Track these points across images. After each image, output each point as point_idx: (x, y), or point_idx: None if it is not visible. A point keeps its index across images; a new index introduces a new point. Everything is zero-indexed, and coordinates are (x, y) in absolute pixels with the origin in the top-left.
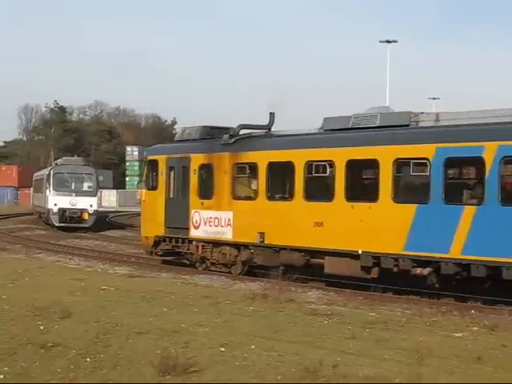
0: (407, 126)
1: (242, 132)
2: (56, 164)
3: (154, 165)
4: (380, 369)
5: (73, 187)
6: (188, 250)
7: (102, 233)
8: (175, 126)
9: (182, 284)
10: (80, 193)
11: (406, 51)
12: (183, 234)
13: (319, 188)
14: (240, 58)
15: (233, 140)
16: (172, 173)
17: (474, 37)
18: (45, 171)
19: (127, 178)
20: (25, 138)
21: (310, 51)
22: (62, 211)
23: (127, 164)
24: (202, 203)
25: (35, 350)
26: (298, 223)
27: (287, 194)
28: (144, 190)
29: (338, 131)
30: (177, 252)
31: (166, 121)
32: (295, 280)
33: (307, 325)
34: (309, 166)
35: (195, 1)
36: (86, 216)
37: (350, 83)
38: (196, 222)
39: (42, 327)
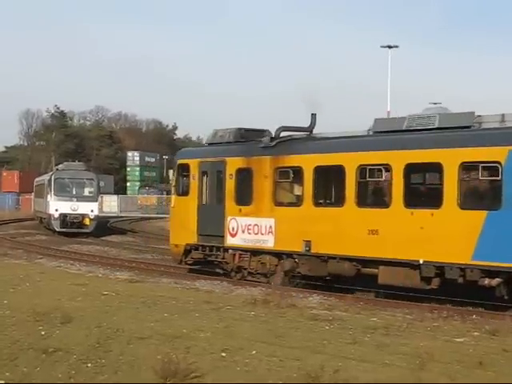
0: (469, 127)
1: (282, 134)
2: (57, 169)
3: (184, 169)
4: (381, 374)
5: (74, 192)
6: (223, 258)
7: (103, 238)
8: (176, 132)
9: (183, 289)
10: (81, 198)
11: (406, 56)
12: (218, 242)
13: (374, 193)
14: (241, 63)
15: (274, 143)
16: (205, 177)
17: (475, 42)
18: (46, 176)
19: (128, 183)
20: (26, 144)
21: (311, 54)
22: (63, 216)
23: (128, 169)
24: (240, 210)
25: (36, 356)
26: (350, 231)
27: (337, 200)
28: (174, 196)
29: (391, 133)
30: (209, 261)
31: (167, 126)
32: (296, 285)
33: (308, 330)
34: (362, 169)
35: (196, 7)
36: (87, 221)
37: (350, 87)
38: (233, 229)
39: (43, 332)
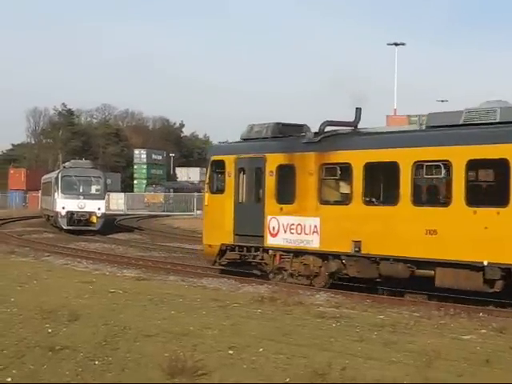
0: None
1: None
2: (64, 167)
3: (219, 166)
4: (388, 371)
5: (81, 190)
6: (262, 259)
7: (110, 236)
8: (183, 129)
9: (190, 287)
10: (88, 196)
11: (413, 54)
12: (257, 242)
13: (431, 191)
14: (249, 59)
15: (319, 138)
16: (242, 174)
17: (481, 40)
18: (53, 174)
19: (135, 181)
20: (33, 141)
21: (316, 53)
22: (70, 214)
23: (135, 167)
24: (281, 208)
25: (43, 353)
26: (405, 230)
27: (390, 198)
28: (207, 194)
29: (448, 128)
30: (245, 262)
31: (174, 123)
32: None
33: (315, 327)
34: (418, 166)
35: (202, 5)
36: (94, 219)
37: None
38: (273, 229)
39: (50, 330)
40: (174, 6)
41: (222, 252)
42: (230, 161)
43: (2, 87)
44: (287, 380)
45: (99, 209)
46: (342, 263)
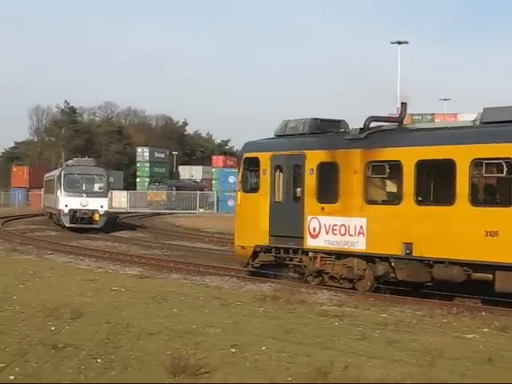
0: None
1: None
2: (67, 165)
3: (253, 163)
4: (391, 370)
5: (84, 188)
6: (300, 262)
7: (113, 234)
8: (186, 128)
9: (193, 285)
10: (91, 194)
11: (416, 52)
12: (295, 243)
13: (492, 191)
14: (250, 60)
15: (364, 134)
16: (278, 172)
17: (484, 39)
18: (56, 172)
19: (138, 179)
20: (36, 139)
21: (320, 52)
22: (73, 212)
23: (138, 165)
24: (323, 208)
25: (46, 351)
26: (462, 232)
27: (445, 198)
28: (240, 192)
29: (508, 124)
30: (281, 264)
31: (177, 122)
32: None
33: (318, 326)
34: (477, 164)
35: (207, 5)
36: (96, 217)
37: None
38: (314, 229)
39: (52, 328)
40: (174, 5)
41: (256, 254)
42: (265, 158)
43: (4, 85)
44: (290, 379)
45: (102, 207)
46: (391, 266)
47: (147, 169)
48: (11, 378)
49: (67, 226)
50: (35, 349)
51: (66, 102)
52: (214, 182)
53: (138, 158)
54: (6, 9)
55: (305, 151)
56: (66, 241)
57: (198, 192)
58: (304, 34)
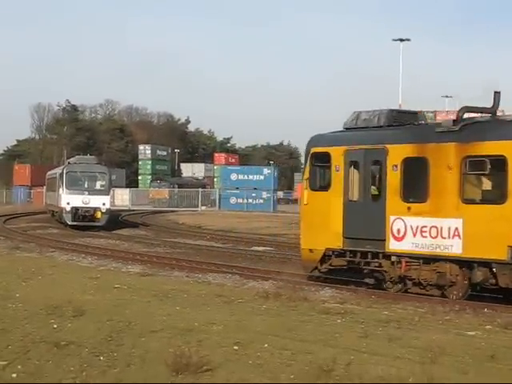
0: None
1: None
2: (69, 163)
3: (322, 159)
4: (393, 367)
5: (86, 186)
6: (380, 266)
7: (115, 231)
8: (188, 125)
9: (195, 282)
10: (93, 191)
11: (418, 50)
12: (375, 246)
13: None
14: (251, 57)
15: (459, 126)
16: (354, 168)
17: (486, 36)
18: (58, 170)
19: (140, 177)
20: (37, 137)
21: (320, 50)
22: (75, 210)
23: (140, 163)
24: (409, 208)
25: (48, 349)
26: None
27: None
28: (307, 191)
29: None
30: (355, 269)
31: (179, 119)
32: (308, 279)
33: (320, 323)
34: None
35: (209, 2)
36: (98, 215)
37: (361, 80)
38: (398, 231)
39: (55, 326)
40: (175, 2)
41: (326, 257)
42: (337, 153)
43: (6, 83)
44: (292, 376)
45: (104, 204)
46: (491, 272)
47: (149, 166)
48: (13, 375)
49: (69, 223)
50: (37, 346)
51: (67, 100)
52: (215, 179)
53: (139, 156)
54: (7, 6)
55: (386, 145)
56: (68, 238)
57: (200, 189)
58: (305, 32)
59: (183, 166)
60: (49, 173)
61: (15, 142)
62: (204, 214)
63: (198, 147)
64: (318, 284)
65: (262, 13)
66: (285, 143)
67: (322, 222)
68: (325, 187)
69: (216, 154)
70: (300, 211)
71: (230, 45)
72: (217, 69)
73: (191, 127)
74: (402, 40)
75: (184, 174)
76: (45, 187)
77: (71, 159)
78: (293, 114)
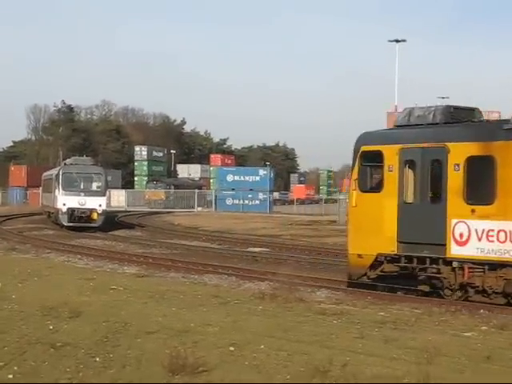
0: None
1: None
2: (65, 164)
3: (374, 158)
4: (389, 368)
5: (82, 187)
6: (438, 273)
7: (111, 232)
8: (184, 126)
9: (191, 283)
10: (89, 193)
11: (413, 51)
12: (433, 251)
13: None
14: (249, 59)
15: None
16: (409, 168)
17: (483, 37)
18: (54, 171)
19: (136, 178)
20: (33, 138)
21: (318, 51)
22: (71, 211)
23: (136, 164)
24: (473, 210)
25: (44, 350)
26: None
27: None
28: (355, 192)
29: None
30: (409, 275)
31: (175, 120)
32: (304, 279)
33: (316, 324)
34: None
35: (206, 4)
36: (94, 216)
37: (359, 82)
38: (461, 235)
39: (51, 327)
40: (172, 4)
41: (377, 263)
42: (390, 152)
43: (2, 84)
44: (288, 377)
45: (100, 205)
46: None
47: (145, 167)
48: (10, 376)
49: (65, 224)
50: (34, 348)
51: (62, 101)
52: (212, 180)
53: (136, 157)
54: (4, 7)
55: (447, 143)
56: (65, 240)
57: (196, 191)
58: (303, 33)
59: (179, 167)
60: (45, 174)
61: (11, 143)
62: (200, 214)
63: (194, 148)
64: (313, 285)
65: (259, 15)
66: (281, 144)
67: (373, 226)
68: (376, 188)
69: (212, 155)
70: (348, 214)
71: (226, 46)
72: (213, 70)
73: (187, 128)
74: (397, 41)
75: (180, 175)
76: (41, 188)
77: (67, 160)
78: (289, 116)
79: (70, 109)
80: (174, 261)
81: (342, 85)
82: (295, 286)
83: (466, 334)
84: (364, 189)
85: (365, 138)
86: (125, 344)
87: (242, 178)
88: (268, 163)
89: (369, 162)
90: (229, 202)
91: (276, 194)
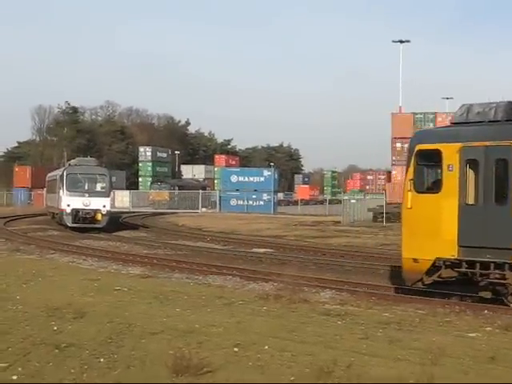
0: None
1: None
2: (69, 165)
3: (431, 157)
4: (393, 369)
5: (86, 188)
6: (503, 279)
7: (115, 233)
8: (188, 127)
9: (195, 284)
10: (93, 193)
11: (417, 51)
12: (499, 256)
13: None
14: (251, 60)
15: None
16: (471, 168)
17: (488, 38)
18: (58, 172)
19: (140, 179)
20: (38, 139)
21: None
22: (76, 212)
23: (140, 164)
24: None
25: (49, 351)
26: None
27: None
28: (411, 193)
29: None
30: (469, 281)
31: (179, 121)
32: (308, 280)
33: (320, 325)
34: None
35: (209, 5)
36: (99, 216)
37: (361, 82)
38: None
39: (55, 328)
40: (176, 5)
41: (435, 268)
42: (450, 151)
43: (7, 85)
44: (292, 378)
45: (104, 206)
46: None
47: (149, 168)
48: (14, 377)
49: (69, 225)
50: (38, 348)
51: (66, 102)
52: (216, 181)
53: (140, 158)
54: (8, 8)
55: None
56: (69, 240)
57: (201, 191)
58: (306, 34)
59: (183, 167)
60: (49, 175)
61: (16, 144)
62: (204, 215)
63: (199, 149)
64: (318, 285)
65: (262, 16)
66: (285, 145)
67: (430, 229)
68: (434, 189)
69: (216, 156)
70: (402, 216)
71: (230, 47)
72: (217, 71)
73: (191, 129)
74: (401, 42)
75: (184, 176)
76: (45, 189)
77: (71, 161)
78: (293, 116)
79: (75, 110)
80: (179, 261)
81: (345, 85)
82: (299, 286)
83: (470, 334)
84: (420, 189)
85: (420, 136)
86: (129, 345)
87: (246, 178)
88: (272, 164)
89: (426, 161)
90: (233, 202)
91: (280, 195)
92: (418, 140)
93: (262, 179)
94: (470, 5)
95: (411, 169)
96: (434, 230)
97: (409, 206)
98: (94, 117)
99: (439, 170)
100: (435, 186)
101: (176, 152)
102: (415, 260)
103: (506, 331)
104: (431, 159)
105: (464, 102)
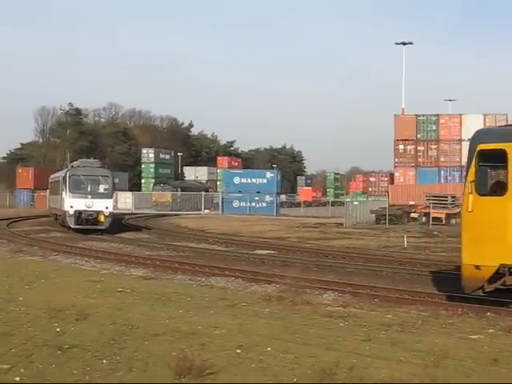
0: None
1: None
2: (72, 166)
3: (495, 157)
4: (396, 371)
5: (89, 189)
6: None
7: (118, 235)
8: (191, 129)
9: (198, 286)
10: (96, 195)
11: (421, 54)
12: None
13: None
14: (255, 62)
15: None
16: None
17: (490, 40)
18: (61, 173)
19: (143, 180)
20: (41, 140)
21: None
22: (78, 213)
23: (143, 166)
24: None
25: (51, 352)
26: None
27: None
28: (471, 196)
29: None
30: None
31: (182, 123)
32: (311, 282)
33: (323, 327)
34: None
35: (213, 7)
36: (101, 218)
37: (364, 84)
38: None
39: (58, 329)
40: (179, 6)
41: (498, 275)
42: None
43: (10, 86)
44: (295, 380)
45: (107, 208)
46: None
47: (152, 170)
48: (17, 379)
49: (72, 227)
50: (40, 350)
51: (69, 103)
52: (219, 183)
53: (143, 159)
54: (8, 8)
55: None
56: (71, 242)
57: (203, 193)
58: (309, 36)
59: (186, 169)
60: (52, 176)
61: (19, 146)
62: (207, 217)
63: (201, 151)
64: (320, 287)
65: (265, 17)
66: (287, 146)
67: (494, 234)
68: (498, 191)
69: (219, 158)
70: (462, 220)
71: (233, 49)
72: (220, 72)
73: (194, 131)
74: (404, 44)
75: (187, 178)
76: (48, 191)
77: (74, 163)
78: (296, 118)
79: (78, 111)
80: (181, 263)
81: (348, 87)
82: (302, 288)
83: (472, 336)
84: (482, 192)
85: (482, 136)
86: (132, 346)
87: (248, 180)
88: (275, 165)
89: (488, 161)
90: (236, 204)
91: (283, 197)
92: (480, 139)
93: (265, 181)
94: (474, 7)
95: (472, 170)
96: (498, 235)
97: (470, 210)
98: (96, 118)
99: (504, 172)
100: (500, 188)
101: (179, 154)
102: (477, 267)
103: (508, 333)
104: (495, 160)
105: (467, 104)
